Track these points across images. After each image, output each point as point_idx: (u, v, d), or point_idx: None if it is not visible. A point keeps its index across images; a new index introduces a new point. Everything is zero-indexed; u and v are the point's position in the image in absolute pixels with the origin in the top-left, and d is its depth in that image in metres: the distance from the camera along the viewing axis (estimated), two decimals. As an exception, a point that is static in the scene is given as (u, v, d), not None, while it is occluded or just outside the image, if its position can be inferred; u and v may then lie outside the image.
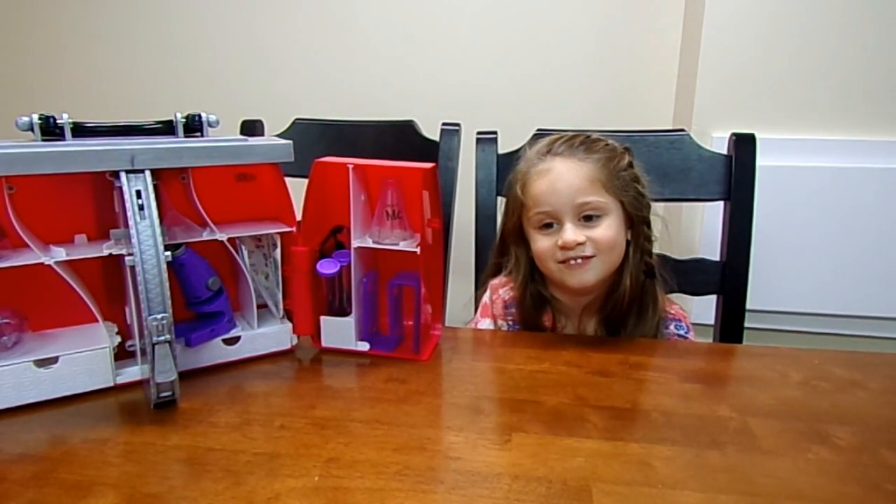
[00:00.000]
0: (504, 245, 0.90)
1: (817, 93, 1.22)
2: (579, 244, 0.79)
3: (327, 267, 0.71)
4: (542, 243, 0.82)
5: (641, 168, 0.86)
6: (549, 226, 0.82)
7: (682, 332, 0.87)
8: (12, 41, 1.64)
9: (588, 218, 0.80)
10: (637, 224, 0.84)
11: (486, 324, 0.90)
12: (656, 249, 0.89)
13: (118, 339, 0.66)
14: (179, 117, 0.64)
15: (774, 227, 1.20)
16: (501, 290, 0.91)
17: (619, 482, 0.50)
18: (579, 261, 0.80)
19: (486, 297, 0.92)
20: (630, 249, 0.83)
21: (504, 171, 1.04)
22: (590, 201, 0.80)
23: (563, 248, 0.79)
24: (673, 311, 0.89)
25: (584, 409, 0.61)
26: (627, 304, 0.83)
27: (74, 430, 0.57)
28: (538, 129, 1.04)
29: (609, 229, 0.80)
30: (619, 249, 0.82)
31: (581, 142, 0.85)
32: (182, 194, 0.67)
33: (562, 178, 0.81)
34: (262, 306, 0.75)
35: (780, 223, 1.22)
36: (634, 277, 0.83)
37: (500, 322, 0.89)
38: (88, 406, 0.61)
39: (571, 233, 0.79)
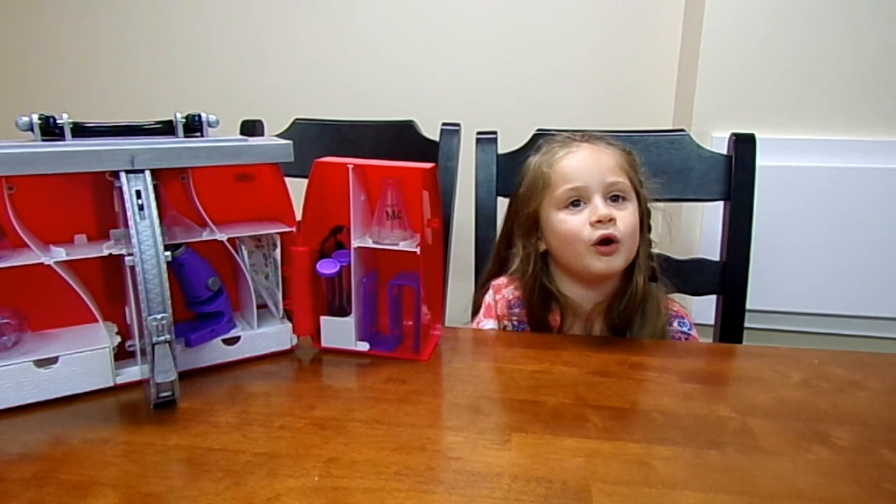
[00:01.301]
0: (509, 240, 0.90)
1: (817, 93, 1.22)
2: (611, 220, 0.79)
3: (327, 267, 0.71)
4: (570, 223, 0.81)
5: (646, 173, 0.88)
6: (575, 204, 0.81)
7: (685, 329, 0.88)
8: (12, 41, 1.65)
9: (614, 199, 0.81)
10: (644, 224, 0.85)
11: (489, 324, 0.89)
12: (657, 249, 0.90)
13: (118, 339, 0.66)
14: (179, 117, 0.64)
15: (774, 227, 1.21)
16: (505, 289, 0.90)
17: (619, 482, 0.50)
18: (609, 243, 0.79)
19: (488, 298, 0.91)
20: (639, 248, 0.83)
21: (504, 171, 1.04)
22: (619, 181, 0.81)
23: (599, 221, 0.78)
24: (675, 309, 0.89)
25: (584, 409, 0.61)
26: (637, 306, 0.83)
27: (74, 430, 0.57)
28: (538, 129, 1.04)
29: (633, 215, 0.81)
30: (637, 240, 0.82)
31: (599, 137, 0.88)
32: (182, 194, 0.67)
33: (593, 157, 0.83)
34: (262, 306, 0.75)
35: (780, 223, 1.22)
36: (644, 277, 0.83)
37: (504, 322, 0.89)
38: (88, 406, 0.61)
39: (605, 207, 0.79)
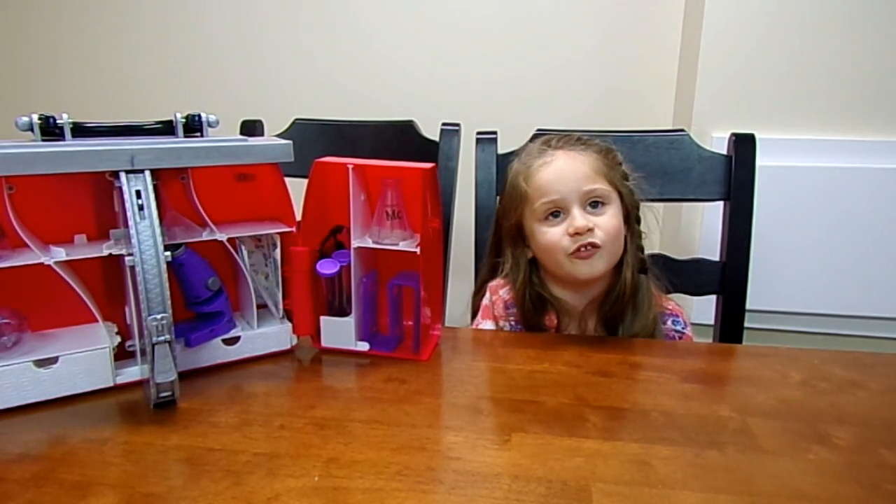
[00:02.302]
0: (499, 247, 0.90)
1: (817, 93, 1.22)
2: (589, 230, 0.79)
3: (327, 267, 0.71)
4: (550, 235, 0.82)
5: (629, 167, 0.88)
6: (554, 215, 0.82)
7: (679, 328, 0.88)
8: (12, 41, 1.64)
9: (594, 205, 0.81)
10: (631, 219, 0.85)
11: (487, 325, 0.90)
12: (656, 249, 0.90)
13: (118, 339, 0.66)
14: (179, 117, 0.64)
15: (774, 227, 1.20)
16: (501, 290, 0.90)
17: (618, 482, 0.50)
18: (589, 248, 0.80)
19: (485, 300, 0.92)
20: (627, 243, 0.84)
21: (504, 171, 1.04)
22: (596, 188, 0.81)
23: (576, 233, 0.79)
24: (670, 307, 0.89)
25: (584, 409, 0.61)
26: (627, 300, 0.83)
27: (74, 430, 0.57)
28: (538, 129, 1.04)
29: (614, 218, 0.81)
30: (621, 240, 0.83)
31: (576, 139, 0.87)
32: (182, 194, 0.67)
33: (568, 166, 0.82)
34: (262, 306, 0.75)
35: (780, 223, 1.22)
36: (633, 271, 0.83)
37: (501, 323, 0.89)
38: (88, 406, 0.61)
39: (582, 218, 0.80)
